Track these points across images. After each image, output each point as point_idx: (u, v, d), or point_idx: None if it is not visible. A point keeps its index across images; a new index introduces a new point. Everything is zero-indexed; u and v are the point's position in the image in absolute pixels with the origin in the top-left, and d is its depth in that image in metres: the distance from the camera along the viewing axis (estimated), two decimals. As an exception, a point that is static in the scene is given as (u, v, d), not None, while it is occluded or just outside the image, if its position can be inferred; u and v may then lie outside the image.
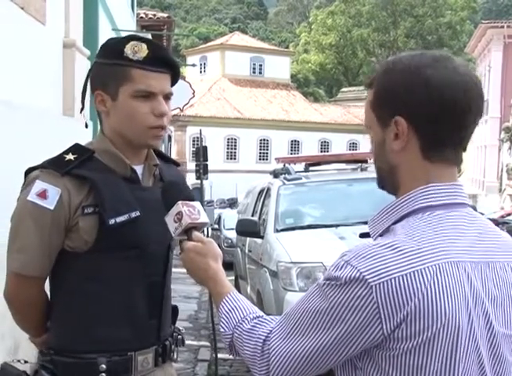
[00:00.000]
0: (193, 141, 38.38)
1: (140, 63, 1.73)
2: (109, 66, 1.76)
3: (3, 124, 3.24)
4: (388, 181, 1.28)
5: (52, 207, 1.70)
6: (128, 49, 1.73)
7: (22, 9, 3.73)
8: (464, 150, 1.25)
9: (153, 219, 1.75)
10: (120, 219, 1.72)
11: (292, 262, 5.47)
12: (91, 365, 1.73)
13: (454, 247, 1.17)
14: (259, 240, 6.59)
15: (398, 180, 1.26)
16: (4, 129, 3.25)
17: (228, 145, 42.48)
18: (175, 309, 2.03)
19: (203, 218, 1.58)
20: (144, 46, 1.74)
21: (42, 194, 1.70)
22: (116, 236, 1.72)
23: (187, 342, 6.62)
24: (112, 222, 1.71)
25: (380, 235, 1.24)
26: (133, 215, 1.75)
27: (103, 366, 1.73)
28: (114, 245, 1.73)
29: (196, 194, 2.00)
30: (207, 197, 28.13)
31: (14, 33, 3.65)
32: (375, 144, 1.29)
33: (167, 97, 1.79)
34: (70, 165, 1.73)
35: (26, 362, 1.86)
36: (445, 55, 1.24)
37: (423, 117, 1.19)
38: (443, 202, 1.21)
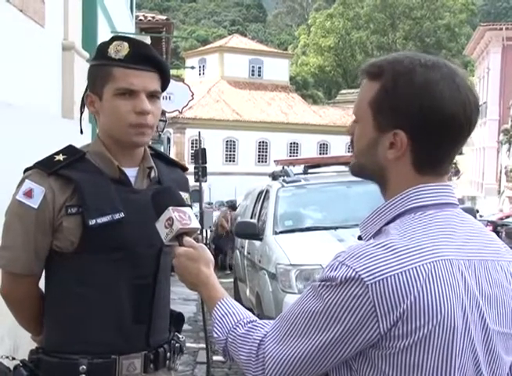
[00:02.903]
0: (192, 143, 38.42)
1: (121, 61, 1.74)
2: (96, 68, 1.79)
3: (3, 125, 3.25)
4: (372, 175, 1.28)
5: (35, 206, 1.71)
6: (111, 49, 1.76)
7: (21, 11, 3.73)
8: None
9: (142, 222, 1.74)
10: (101, 220, 1.71)
11: (291, 265, 5.48)
12: (72, 366, 1.72)
13: (447, 245, 1.18)
14: (258, 243, 6.59)
15: (385, 181, 1.26)
16: (4, 129, 3.25)
17: (227, 147, 42.48)
18: (180, 316, 2.00)
19: (194, 223, 1.56)
20: (126, 45, 1.76)
21: (28, 193, 1.72)
22: (100, 238, 1.72)
23: (186, 344, 6.60)
24: (92, 222, 1.70)
25: (372, 237, 1.24)
26: (116, 216, 1.73)
27: (84, 367, 1.72)
28: (99, 246, 1.72)
29: (195, 197, 1.99)
30: (205, 200, 28.10)
31: (13, 35, 3.65)
32: (362, 140, 1.26)
33: (153, 95, 1.78)
34: (58, 165, 1.74)
35: (13, 358, 1.86)
36: (451, 68, 1.22)
37: (425, 136, 1.19)
38: (434, 202, 1.22)
